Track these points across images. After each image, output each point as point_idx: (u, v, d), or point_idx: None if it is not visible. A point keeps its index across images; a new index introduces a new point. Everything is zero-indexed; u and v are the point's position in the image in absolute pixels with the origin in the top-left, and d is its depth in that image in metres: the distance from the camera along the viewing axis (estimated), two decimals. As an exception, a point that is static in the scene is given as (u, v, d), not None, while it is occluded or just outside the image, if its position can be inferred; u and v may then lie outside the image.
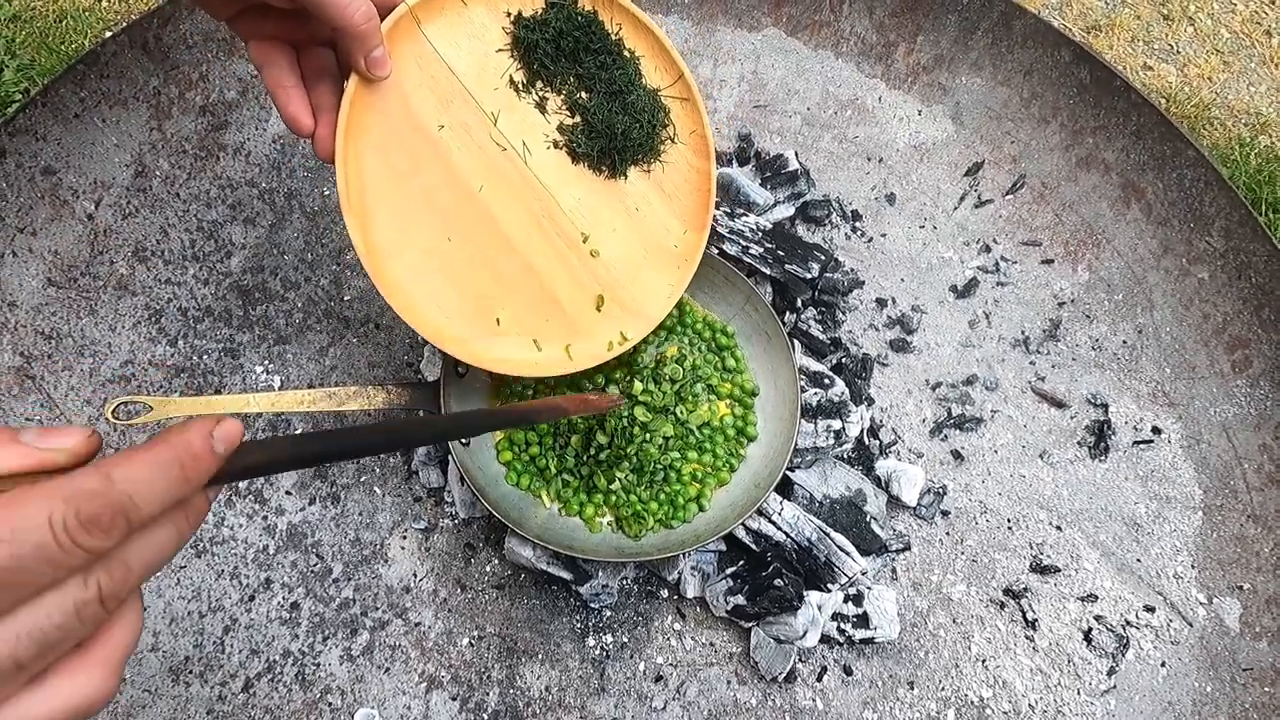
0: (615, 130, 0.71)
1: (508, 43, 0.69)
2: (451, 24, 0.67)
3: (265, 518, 0.85)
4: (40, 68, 1.42)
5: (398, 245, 0.68)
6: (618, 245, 0.76)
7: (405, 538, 0.86)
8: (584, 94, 0.72)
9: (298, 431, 0.90)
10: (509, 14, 0.69)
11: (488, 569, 0.85)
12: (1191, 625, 0.87)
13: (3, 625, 0.29)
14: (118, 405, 0.80)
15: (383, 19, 0.61)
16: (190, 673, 0.79)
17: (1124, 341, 1.01)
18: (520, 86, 0.70)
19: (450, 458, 0.83)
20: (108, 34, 0.96)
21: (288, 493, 0.87)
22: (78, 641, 0.32)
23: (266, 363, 0.93)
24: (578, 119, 0.72)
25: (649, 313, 0.78)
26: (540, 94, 0.71)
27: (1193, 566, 0.90)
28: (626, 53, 0.72)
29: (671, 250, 0.78)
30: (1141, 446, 0.95)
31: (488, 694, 0.79)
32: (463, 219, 0.70)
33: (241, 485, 0.87)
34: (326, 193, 1.01)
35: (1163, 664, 0.85)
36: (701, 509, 0.84)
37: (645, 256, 0.78)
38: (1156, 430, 0.96)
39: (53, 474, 0.33)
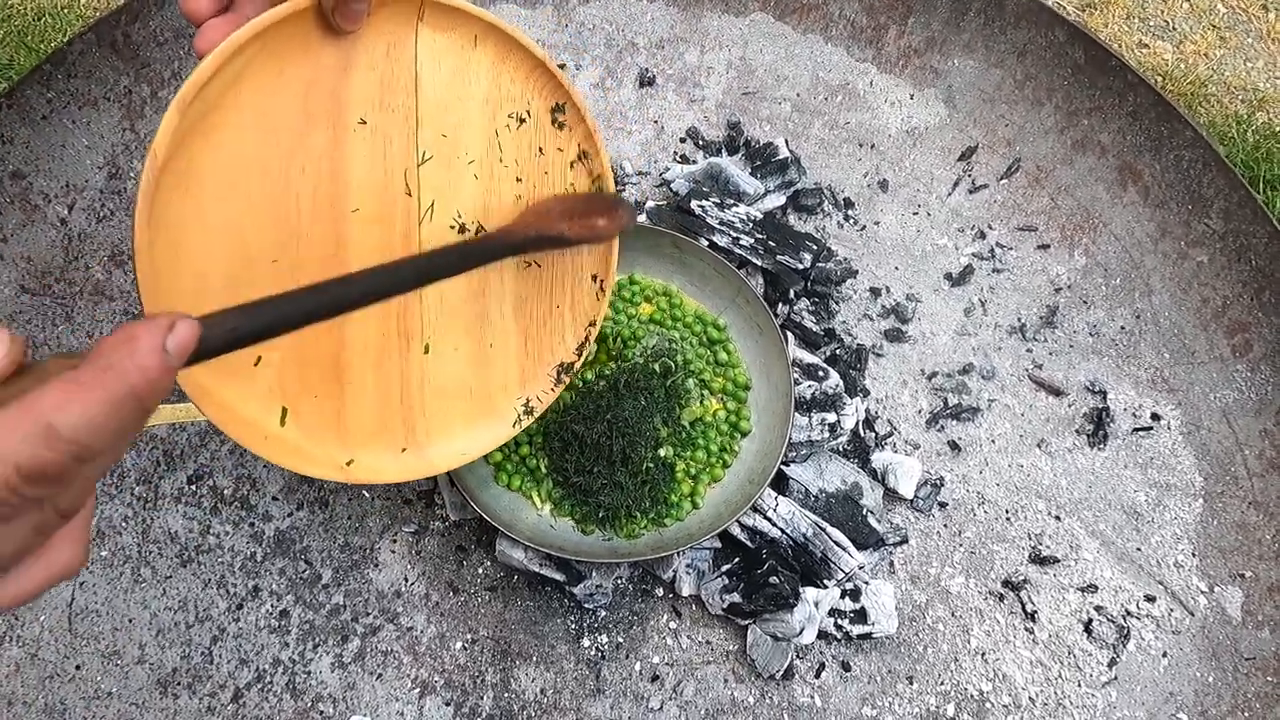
0: None
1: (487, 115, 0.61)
2: (449, 47, 0.57)
3: (252, 524, 0.84)
4: (20, 67, 1.40)
5: (206, 190, 0.50)
6: (449, 368, 0.66)
7: (395, 541, 0.84)
8: None
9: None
10: (509, 115, 0.61)
11: (480, 571, 0.84)
12: (1193, 614, 0.86)
13: None
14: (96, 414, 0.79)
15: None
16: (178, 684, 0.77)
17: (1122, 327, 0.99)
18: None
19: (438, 460, 0.82)
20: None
21: (274, 499, 0.85)
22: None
23: (249, 366, 0.91)
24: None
25: (431, 459, 0.67)
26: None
27: (1194, 555, 0.89)
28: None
29: (495, 409, 0.70)
30: (1141, 434, 0.94)
31: (482, 698, 0.78)
32: (306, 224, 0.55)
33: (226, 492, 0.85)
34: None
35: (1164, 654, 0.84)
36: (695, 506, 0.83)
37: (468, 399, 0.68)
38: (1156, 417, 0.95)
39: None
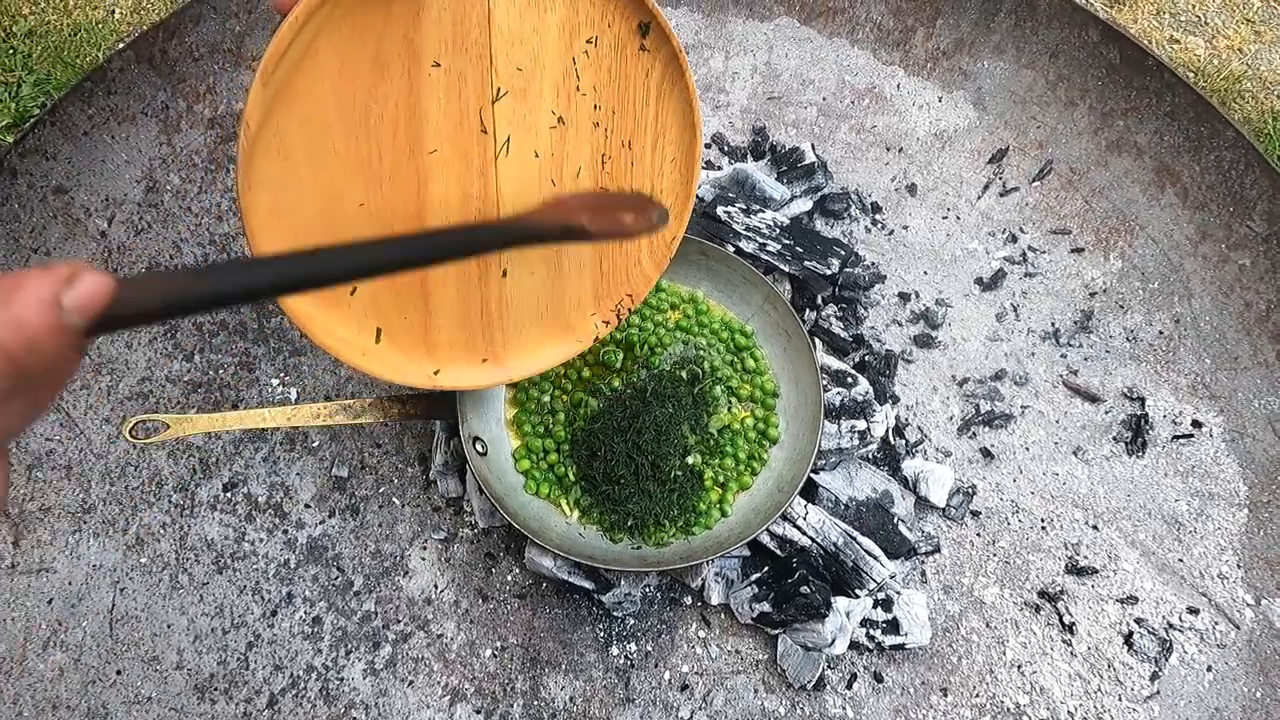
0: None
1: (563, 44, 0.61)
2: None
3: (285, 531, 0.85)
4: (56, 82, 1.43)
5: (295, 149, 0.53)
6: (526, 289, 0.69)
7: (425, 548, 0.85)
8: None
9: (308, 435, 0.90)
10: (587, 40, 0.61)
11: (509, 578, 0.84)
12: (1238, 627, 0.84)
13: None
14: (136, 424, 0.80)
15: None
16: (215, 690, 0.79)
17: (1160, 332, 0.97)
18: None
19: (468, 467, 0.82)
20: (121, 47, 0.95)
21: (307, 506, 0.86)
22: None
23: (282, 375, 0.92)
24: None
25: (510, 368, 0.73)
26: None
27: (1239, 566, 0.86)
28: None
29: (569, 326, 0.75)
30: (1181, 441, 0.92)
31: (512, 706, 0.79)
32: (390, 167, 0.58)
33: (260, 500, 0.87)
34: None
35: (1208, 668, 0.82)
36: (724, 514, 0.82)
37: (544, 316, 0.72)
38: (1197, 424, 0.92)
39: None
